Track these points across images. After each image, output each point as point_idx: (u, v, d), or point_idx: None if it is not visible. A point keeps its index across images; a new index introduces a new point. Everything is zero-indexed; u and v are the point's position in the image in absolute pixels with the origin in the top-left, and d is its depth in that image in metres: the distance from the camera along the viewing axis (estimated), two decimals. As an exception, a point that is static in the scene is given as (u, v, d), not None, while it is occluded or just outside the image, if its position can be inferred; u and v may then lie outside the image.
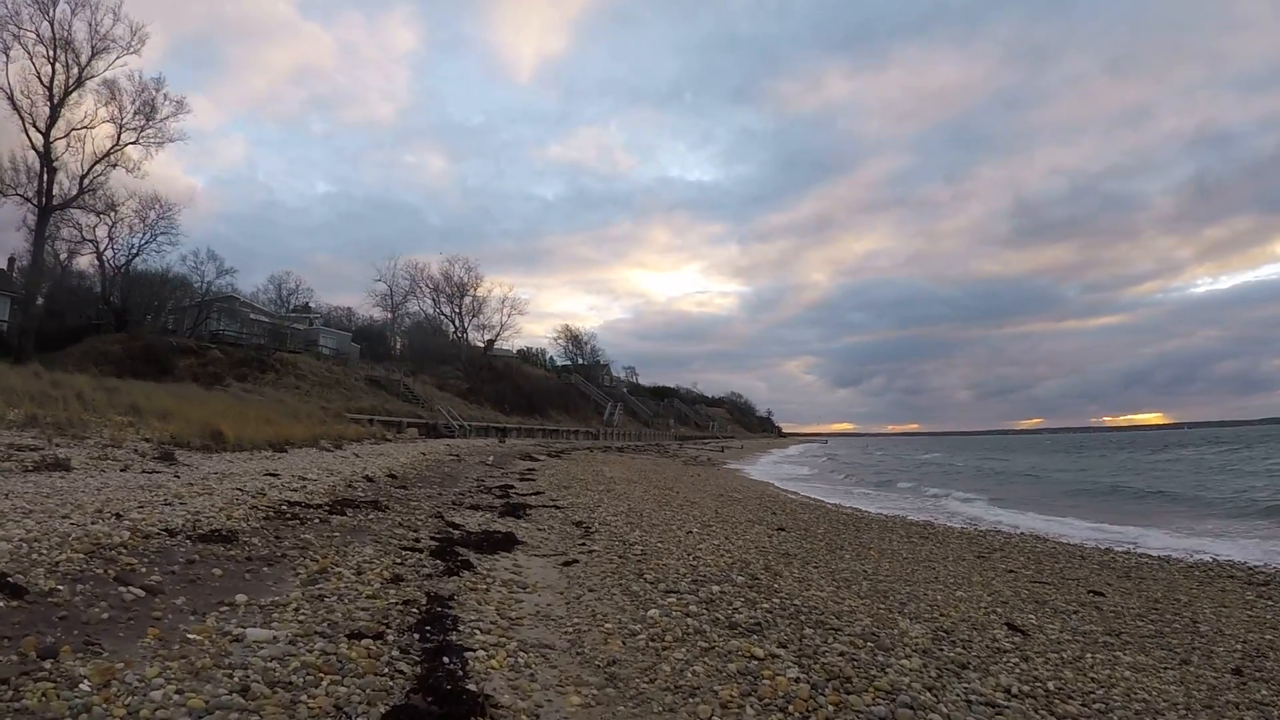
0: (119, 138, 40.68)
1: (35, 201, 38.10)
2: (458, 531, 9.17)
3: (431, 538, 8.39)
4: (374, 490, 12.01)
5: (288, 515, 8.47)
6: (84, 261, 48.29)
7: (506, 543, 8.65)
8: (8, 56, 36.56)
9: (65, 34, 37.43)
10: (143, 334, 42.79)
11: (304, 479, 11.82)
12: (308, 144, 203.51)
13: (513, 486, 16.16)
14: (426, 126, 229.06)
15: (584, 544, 9.40)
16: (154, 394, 24.35)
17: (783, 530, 13.80)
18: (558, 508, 13.01)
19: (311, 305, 74.66)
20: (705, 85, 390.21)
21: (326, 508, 9.40)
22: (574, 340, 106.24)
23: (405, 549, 7.40)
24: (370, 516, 9.30)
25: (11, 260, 45.99)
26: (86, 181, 39.80)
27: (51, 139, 38.08)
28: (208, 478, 11.00)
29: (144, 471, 11.09)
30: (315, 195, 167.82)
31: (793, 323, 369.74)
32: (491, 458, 25.63)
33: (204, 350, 44.25)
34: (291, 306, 72.71)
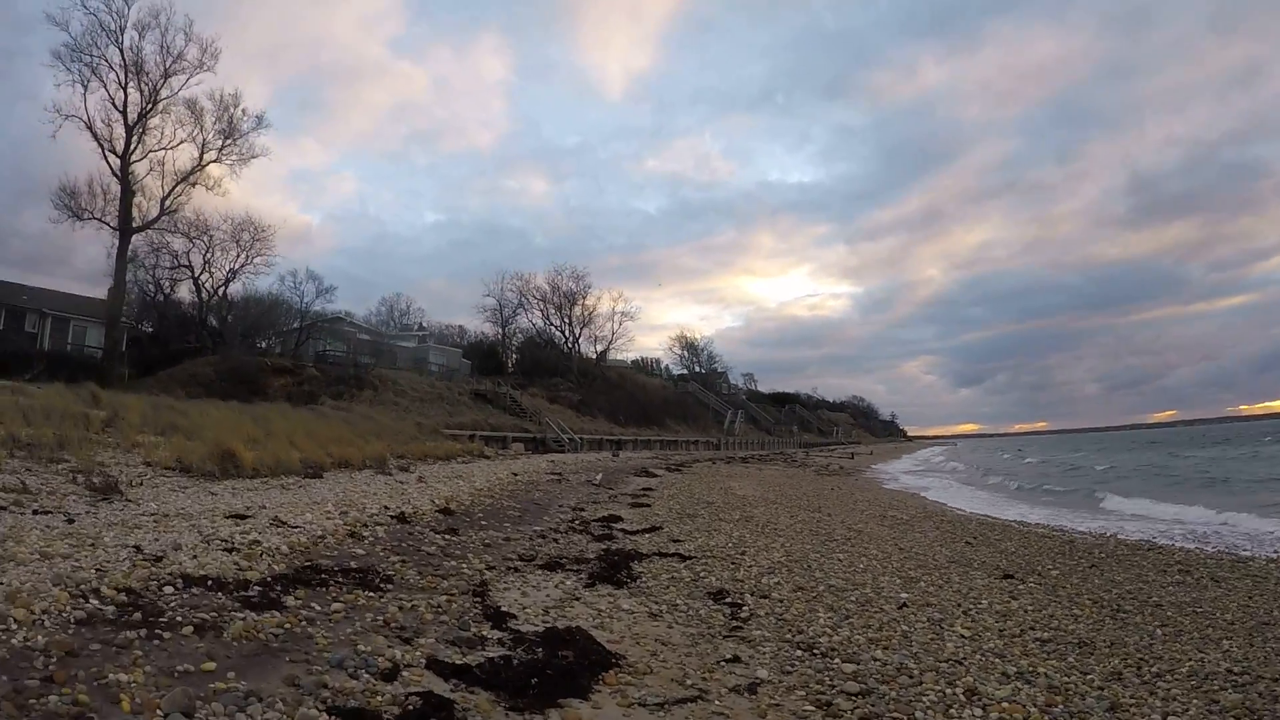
0: (200, 157, 39.08)
1: (114, 225, 36.51)
2: (496, 634, 4.83)
3: (423, 663, 4.05)
4: (394, 540, 7.80)
5: (114, 621, 4.28)
6: (186, 287, 47.55)
7: (582, 668, 4.21)
8: (86, 88, 35.30)
9: (136, 58, 35.96)
10: (235, 355, 40.86)
11: (282, 524, 7.70)
12: (413, 176, 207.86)
13: (619, 519, 11.79)
14: (525, 151, 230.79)
15: (735, 651, 4.94)
16: (208, 412, 21.19)
17: (1010, 578, 9.09)
18: (682, 557, 8.54)
19: (424, 325, 73.19)
20: (796, 85, 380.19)
21: (252, 592, 5.19)
22: (689, 348, 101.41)
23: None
24: (327, 610, 5.04)
25: (111, 291, 45.54)
26: (168, 203, 38.28)
27: (130, 162, 36.60)
28: (111, 525, 7.00)
29: (35, 512, 7.24)
30: (424, 225, 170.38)
31: (908, 321, 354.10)
32: (600, 475, 21.38)
33: (300, 369, 41.97)
34: (401, 326, 71.37)
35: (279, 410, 27.34)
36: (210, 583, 5.30)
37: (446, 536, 8.36)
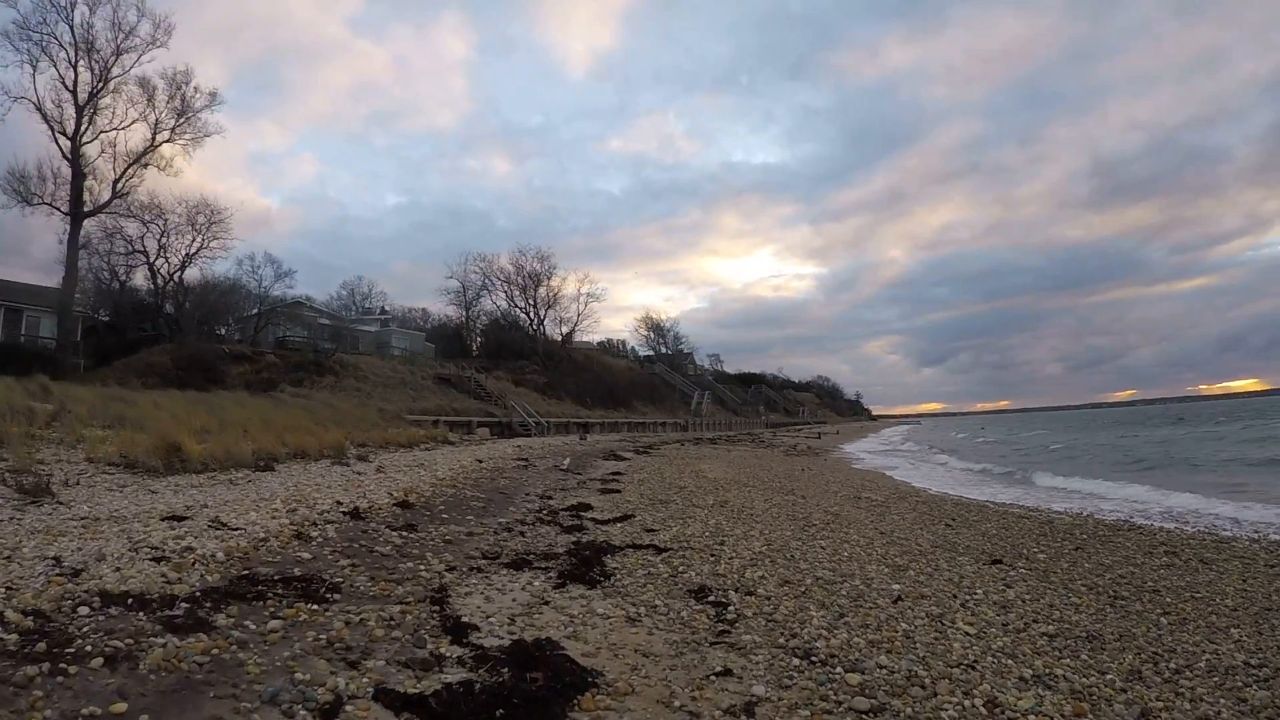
0: (153, 137, 37.70)
1: (65, 210, 35.20)
2: (456, 652, 4.26)
3: (370, 692, 3.49)
4: (346, 540, 7.14)
5: (15, 653, 3.67)
6: (142, 274, 46.22)
7: (554, 692, 3.68)
8: (35, 68, 34.05)
9: (87, 35, 34.56)
10: (192, 343, 39.70)
11: (222, 526, 7.03)
12: (374, 158, 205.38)
13: (589, 507, 11.22)
14: (487, 131, 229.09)
15: (725, 662, 4.44)
16: (161, 403, 20.34)
17: (999, 563, 8.80)
18: (658, 549, 8.00)
19: (386, 308, 72.01)
20: (761, 65, 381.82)
21: (179, 610, 4.57)
22: (655, 329, 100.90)
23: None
24: (263, 630, 4.43)
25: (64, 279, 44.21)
26: (120, 185, 36.92)
27: (80, 144, 35.20)
28: (34, 533, 6.28)
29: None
30: (386, 207, 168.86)
31: (873, 302, 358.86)
32: (568, 460, 20.80)
33: (259, 356, 40.92)
34: (362, 310, 70.16)
35: (235, 399, 26.52)
36: (131, 600, 4.67)
37: (404, 533, 7.72)
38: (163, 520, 7.31)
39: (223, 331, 47.88)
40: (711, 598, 6.09)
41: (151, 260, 44.44)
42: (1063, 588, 7.51)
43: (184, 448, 11.79)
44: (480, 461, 17.52)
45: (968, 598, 6.83)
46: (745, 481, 18.20)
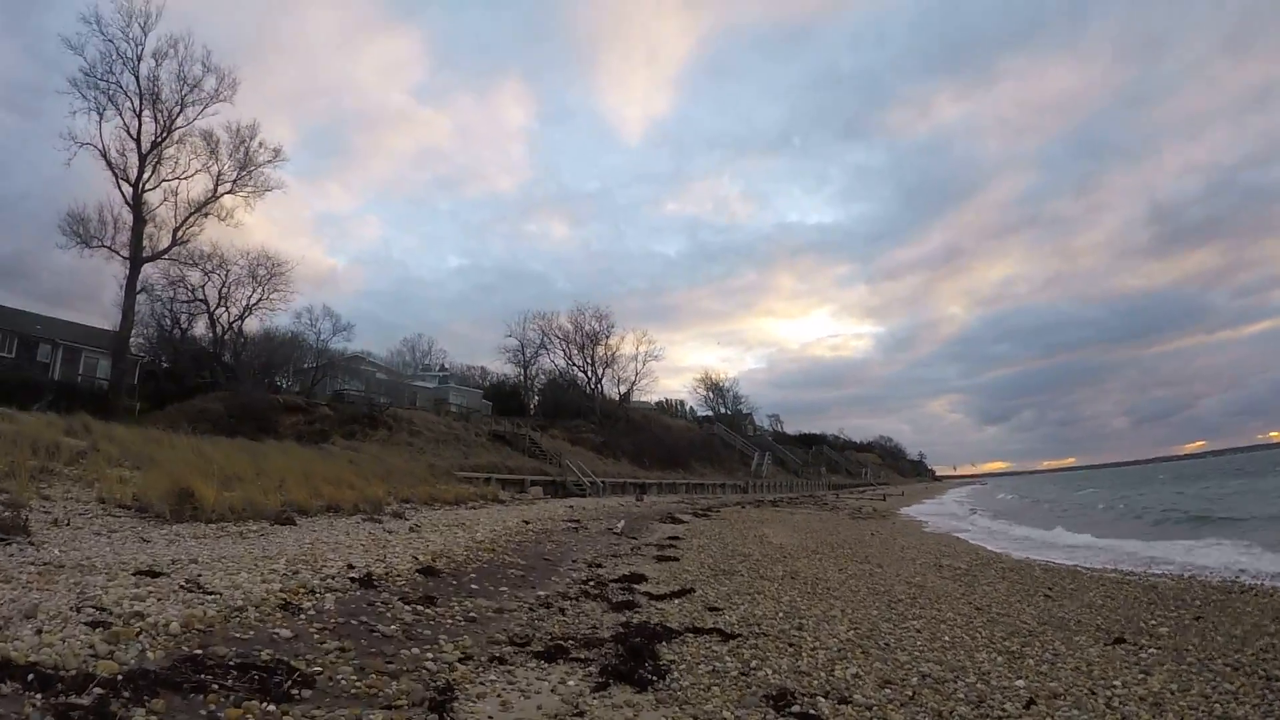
0: (215, 188, 38.21)
1: (124, 255, 35.68)
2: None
3: None
4: (344, 614, 5.87)
5: None
6: (203, 323, 46.80)
7: None
8: (102, 115, 34.68)
9: (152, 86, 35.37)
10: (245, 391, 39.55)
11: (196, 589, 5.83)
12: (436, 221, 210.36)
13: (643, 578, 9.80)
14: (545, 196, 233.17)
15: None
16: (202, 448, 19.56)
17: (1123, 642, 7.47)
18: (724, 635, 6.56)
19: (445, 365, 72.01)
20: (813, 126, 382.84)
21: (88, 698, 3.36)
22: (714, 389, 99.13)
23: None
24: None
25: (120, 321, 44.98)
26: (180, 234, 37.27)
27: (142, 191, 35.69)
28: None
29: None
30: (448, 269, 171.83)
31: (932, 360, 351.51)
32: (621, 523, 19.39)
33: (312, 408, 40.57)
34: (422, 367, 70.20)
35: (282, 448, 25.77)
36: (34, 677, 3.51)
37: (418, 608, 6.42)
38: (134, 575, 6.19)
39: (281, 383, 47.99)
40: (796, 707, 4.66)
41: (212, 309, 44.99)
42: (1206, 670, 6.23)
43: (197, 494, 10.76)
44: (527, 523, 16.24)
45: (1109, 694, 5.48)
46: (814, 548, 16.57)
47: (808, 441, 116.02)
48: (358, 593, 6.68)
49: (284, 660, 4.59)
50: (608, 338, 71.15)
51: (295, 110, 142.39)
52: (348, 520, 13.29)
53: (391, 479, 23.72)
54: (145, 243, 36.22)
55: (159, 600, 5.51)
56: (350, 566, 7.72)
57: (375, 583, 7.15)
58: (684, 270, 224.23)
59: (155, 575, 6.41)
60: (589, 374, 71.83)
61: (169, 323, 45.51)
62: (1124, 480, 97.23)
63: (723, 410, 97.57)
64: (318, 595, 6.31)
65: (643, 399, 78.73)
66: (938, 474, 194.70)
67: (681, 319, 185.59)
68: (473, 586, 7.85)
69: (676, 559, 12.46)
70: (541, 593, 8.05)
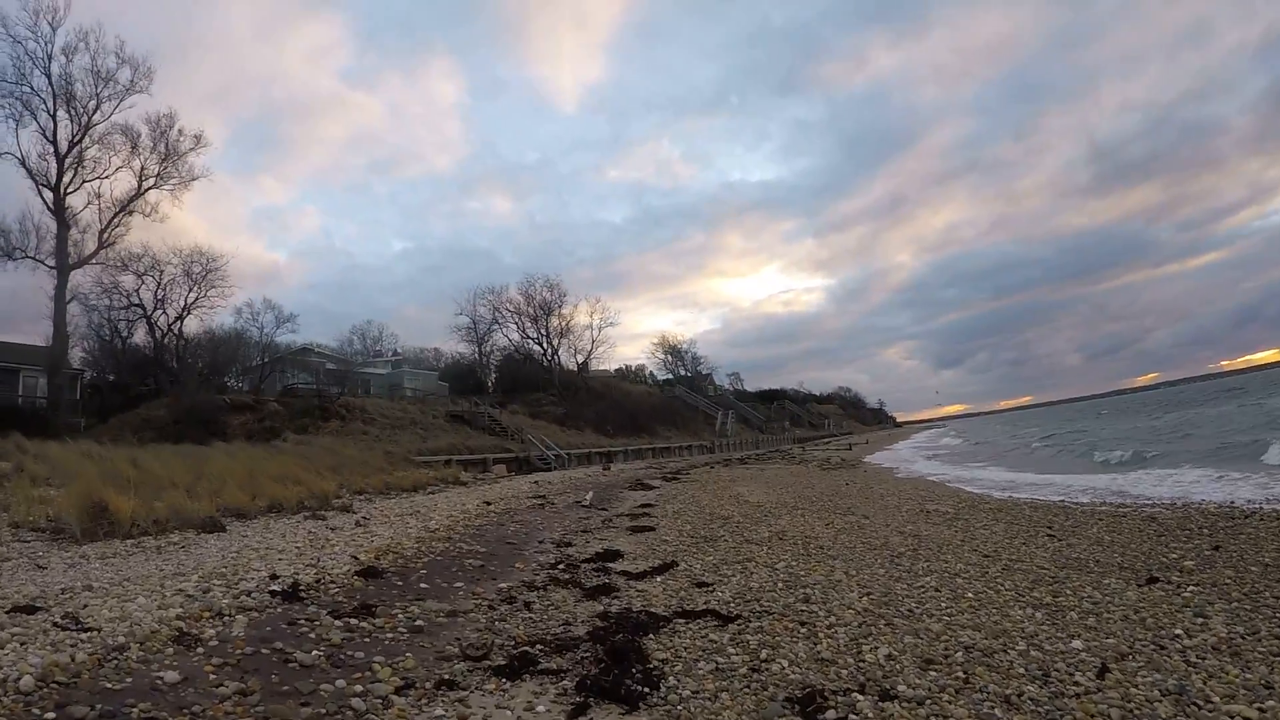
0: (139, 184, 36.23)
1: (50, 264, 33.97)
2: None
3: None
4: (255, 642, 4.73)
5: None
6: (143, 329, 44.78)
7: None
8: (19, 122, 32.98)
9: (65, 84, 33.51)
10: (190, 395, 37.81)
11: (73, 625, 4.66)
12: (376, 206, 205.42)
13: (619, 553, 8.78)
14: (485, 171, 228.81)
15: None
16: (141, 459, 18.13)
17: (1156, 581, 6.89)
18: (721, 618, 5.54)
19: (398, 350, 70.15)
20: (749, 83, 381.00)
21: None
22: (672, 352, 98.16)
23: None
24: None
25: (67, 338, 43.05)
26: (106, 236, 35.44)
27: (64, 195, 33.83)
28: None
29: None
30: (392, 253, 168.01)
31: (884, 309, 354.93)
32: (590, 494, 18.37)
33: (261, 405, 38.89)
34: (374, 353, 68.29)
35: (228, 450, 24.32)
36: None
37: (352, 622, 5.30)
38: (7, 614, 5.01)
39: (229, 382, 46.21)
40: (831, 713, 3.66)
41: (149, 313, 42.97)
42: (1262, 606, 5.58)
43: (111, 508, 9.48)
44: (488, 504, 15.14)
45: (1180, 648, 4.73)
46: (793, 504, 15.71)
47: (769, 398, 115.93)
48: (278, 609, 5.55)
49: (155, 717, 3.48)
50: (560, 308, 69.85)
51: (223, 105, 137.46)
52: (289, 520, 12.06)
53: (344, 470, 22.45)
54: (71, 249, 34.55)
55: (21, 645, 4.39)
56: (274, 577, 6.57)
57: (302, 594, 6.02)
58: (631, 236, 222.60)
59: (32, 611, 5.26)
60: (545, 346, 70.55)
61: (108, 333, 43.54)
62: (1076, 415, 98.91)
63: (683, 373, 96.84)
64: (226, 618, 5.19)
65: (601, 368, 77.66)
66: (899, 420, 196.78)
67: (633, 285, 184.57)
68: (422, 586, 6.72)
69: (652, 529, 11.47)
70: (504, 584, 6.96)
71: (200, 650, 4.52)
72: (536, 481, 24.36)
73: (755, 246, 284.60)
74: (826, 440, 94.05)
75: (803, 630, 5.18)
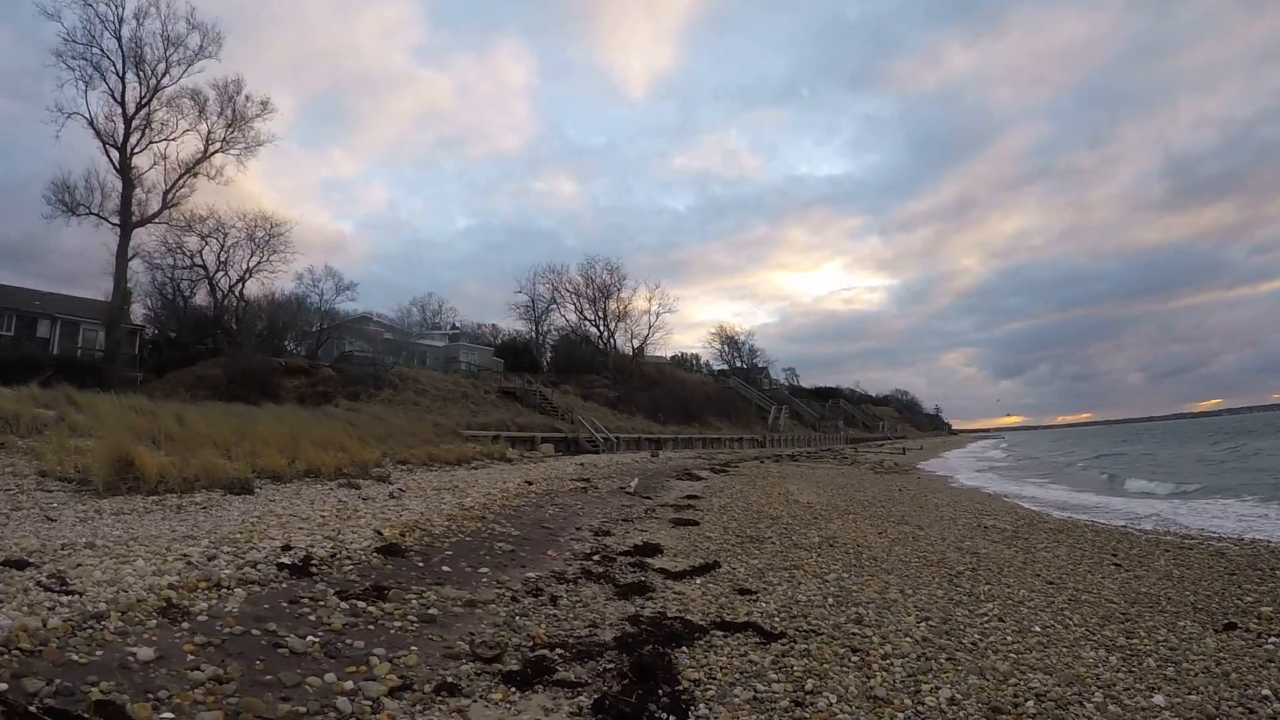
0: (205, 148, 36.78)
1: (114, 221, 34.63)
2: None
3: None
4: (249, 620, 4.31)
5: None
6: (205, 290, 45.78)
7: None
8: (88, 84, 33.85)
9: (135, 47, 34.33)
10: (245, 356, 38.31)
11: (60, 587, 4.30)
12: (442, 182, 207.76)
13: (658, 549, 8.24)
14: (551, 153, 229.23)
15: None
16: (187, 415, 18.16)
17: (1234, 628, 6.21)
18: (763, 635, 4.97)
19: (456, 324, 70.65)
20: (820, 77, 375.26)
21: None
22: (729, 342, 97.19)
23: None
24: None
25: (128, 294, 44.07)
26: (170, 196, 36.02)
27: (130, 155, 34.52)
28: None
29: None
30: (456, 230, 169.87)
31: (947, 313, 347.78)
32: (635, 481, 17.89)
33: (315, 370, 39.24)
34: (432, 325, 68.81)
35: (275, 412, 24.31)
36: None
37: (360, 605, 4.86)
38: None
39: (288, 346, 46.84)
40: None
41: (211, 274, 43.74)
42: None
43: (136, 463, 9.25)
44: (529, 483, 14.72)
45: (1273, 712, 4.18)
46: (845, 508, 15.02)
47: (824, 395, 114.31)
48: (283, 584, 5.15)
49: (119, 705, 3.06)
50: (619, 291, 69.45)
51: (295, 79, 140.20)
52: (323, 487, 11.78)
53: (390, 440, 22.31)
54: (135, 208, 35.22)
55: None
56: (286, 548, 6.17)
57: (313, 569, 5.62)
58: (694, 225, 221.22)
59: (22, 567, 4.94)
60: (601, 329, 70.31)
61: (171, 291, 44.42)
62: (1138, 436, 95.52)
63: (739, 364, 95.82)
64: (223, 591, 4.79)
65: (657, 354, 77.12)
66: (955, 428, 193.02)
67: (693, 274, 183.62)
68: (444, 569, 6.27)
69: (696, 523, 10.93)
70: (532, 574, 6.48)
71: (185, 625, 4.11)
72: (582, 464, 23.97)
73: (819, 242, 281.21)
74: (880, 443, 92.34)
75: (854, 659, 4.57)
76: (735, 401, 76.91)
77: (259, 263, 43.66)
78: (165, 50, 34.79)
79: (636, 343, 72.58)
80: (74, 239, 67.47)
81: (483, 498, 11.45)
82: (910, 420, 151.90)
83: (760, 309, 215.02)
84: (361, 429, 23.33)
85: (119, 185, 34.58)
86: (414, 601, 5.15)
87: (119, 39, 33.65)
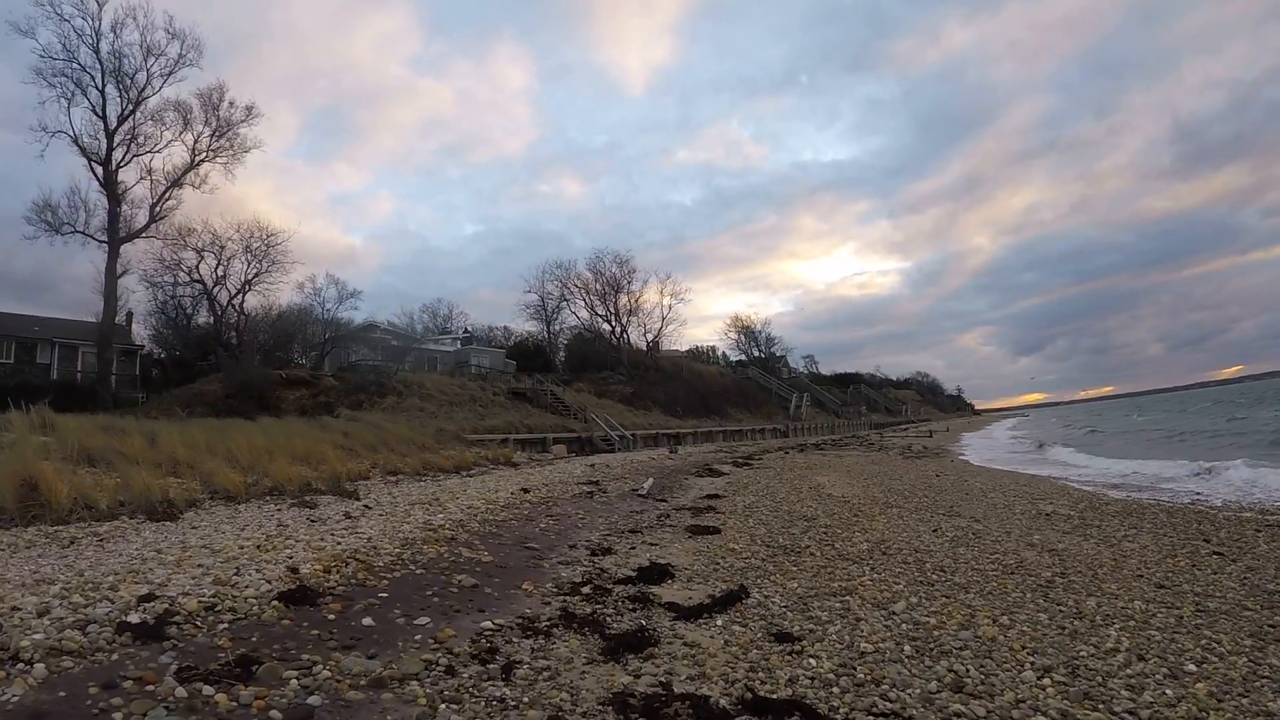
0: (192, 158, 35.66)
1: (100, 239, 33.68)
2: None
3: None
4: (36, 697, 2.65)
5: None
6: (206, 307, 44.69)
7: None
8: (70, 100, 32.47)
9: (115, 60, 33.24)
10: (243, 370, 37.10)
11: None
12: (448, 190, 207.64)
13: (668, 573, 6.47)
14: (554, 155, 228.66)
15: None
16: (162, 433, 16.66)
17: None
18: (814, 718, 3.26)
19: (467, 328, 69.48)
20: (819, 62, 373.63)
21: None
22: (745, 332, 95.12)
23: None
24: None
25: (129, 316, 43.03)
26: (157, 209, 35.08)
27: (115, 170, 33.64)
28: None
29: None
30: (464, 236, 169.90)
31: (961, 293, 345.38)
32: (649, 481, 16.18)
33: (316, 380, 37.87)
34: (442, 330, 67.66)
35: (261, 426, 22.76)
36: None
37: (206, 690, 3.13)
38: None
39: (296, 357, 45.66)
40: None
41: (210, 289, 42.50)
42: None
43: (40, 487, 7.64)
44: (525, 491, 13.02)
45: None
46: (885, 500, 13.27)
47: (845, 381, 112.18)
48: (113, 655, 3.46)
49: None
50: (629, 284, 67.72)
51: (295, 95, 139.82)
52: (273, 507, 10.08)
53: (384, 449, 20.74)
54: (122, 224, 33.94)
55: None
56: (148, 598, 4.48)
57: (170, 628, 3.94)
58: (702, 218, 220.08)
59: None
60: (613, 324, 68.56)
61: (173, 310, 43.38)
62: (1171, 405, 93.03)
63: (756, 354, 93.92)
64: (20, 666, 3.10)
65: (672, 348, 75.31)
66: (977, 408, 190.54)
67: (704, 267, 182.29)
68: (364, 623, 4.53)
69: (717, 530, 9.19)
70: (489, 623, 4.74)
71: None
72: (593, 464, 22.27)
73: (828, 228, 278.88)
74: (904, 426, 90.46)
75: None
76: (755, 392, 75.01)
77: (257, 274, 42.36)
78: (145, 60, 33.63)
79: (650, 337, 70.88)
80: (84, 266, 67.12)
81: (460, 513, 9.73)
82: (933, 402, 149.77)
83: (774, 298, 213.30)
84: (355, 438, 21.80)
85: (104, 202, 33.51)
86: (292, 683, 3.45)
87: (96, 52, 32.60)
